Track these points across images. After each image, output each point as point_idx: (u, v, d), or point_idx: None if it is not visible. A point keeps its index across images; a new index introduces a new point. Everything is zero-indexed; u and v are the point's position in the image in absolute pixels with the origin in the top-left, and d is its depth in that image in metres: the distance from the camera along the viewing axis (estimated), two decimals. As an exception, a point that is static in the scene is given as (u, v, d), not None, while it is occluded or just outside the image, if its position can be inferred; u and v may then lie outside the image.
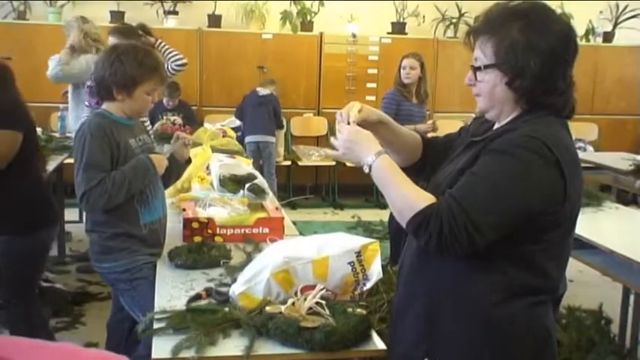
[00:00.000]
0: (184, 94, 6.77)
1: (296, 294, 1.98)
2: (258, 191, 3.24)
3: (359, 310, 1.96)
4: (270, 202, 3.22)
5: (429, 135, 5.31)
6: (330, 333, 1.83)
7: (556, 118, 1.63)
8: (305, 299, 1.95)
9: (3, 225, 2.86)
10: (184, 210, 2.92)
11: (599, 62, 7.83)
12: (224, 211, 2.93)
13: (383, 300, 2.43)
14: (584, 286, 4.34)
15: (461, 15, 7.61)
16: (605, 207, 3.82)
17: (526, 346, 1.62)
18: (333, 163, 6.81)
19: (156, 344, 1.85)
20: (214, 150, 3.75)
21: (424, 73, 5.06)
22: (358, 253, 2.07)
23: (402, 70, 5.00)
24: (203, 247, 2.58)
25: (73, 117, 4.99)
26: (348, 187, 7.02)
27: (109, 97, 2.55)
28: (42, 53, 6.23)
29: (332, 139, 1.80)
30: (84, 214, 3.14)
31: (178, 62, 4.57)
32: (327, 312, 1.92)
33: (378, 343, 1.91)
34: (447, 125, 4.49)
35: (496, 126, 1.70)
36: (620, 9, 7.83)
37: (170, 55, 4.55)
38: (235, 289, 2.05)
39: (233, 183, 3.32)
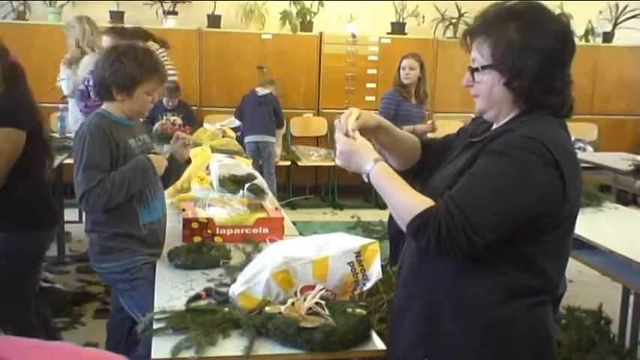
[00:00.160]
0: (184, 95, 6.76)
1: (295, 294, 1.98)
2: (257, 191, 3.25)
3: (358, 310, 1.97)
4: (270, 202, 3.22)
5: (428, 135, 5.33)
6: (330, 333, 1.83)
7: (554, 118, 1.63)
8: (305, 299, 1.95)
9: (1, 223, 2.87)
10: (184, 210, 2.92)
11: (598, 62, 7.83)
12: (224, 211, 2.94)
13: (382, 300, 2.43)
14: (584, 287, 4.34)
15: (460, 15, 7.61)
16: (604, 207, 3.83)
17: (526, 347, 1.62)
18: (333, 163, 6.81)
19: (155, 344, 1.85)
20: (214, 150, 3.75)
21: (423, 74, 5.06)
22: (358, 254, 2.07)
23: (401, 71, 5.01)
24: (203, 248, 2.58)
25: (73, 117, 5.00)
26: (348, 187, 7.02)
27: (109, 97, 2.55)
28: (41, 53, 6.26)
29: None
30: (83, 214, 3.14)
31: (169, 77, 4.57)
32: (327, 312, 1.92)
33: (378, 343, 1.91)
34: (447, 125, 4.49)
35: (494, 126, 1.70)
36: (620, 9, 7.82)
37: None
38: (235, 290, 2.06)
39: (233, 183, 3.32)
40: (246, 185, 3.27)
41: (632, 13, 7.72)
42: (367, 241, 2.11)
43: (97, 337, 3.43)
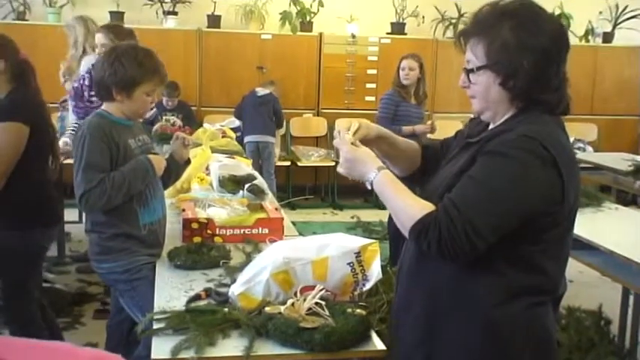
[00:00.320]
0: (184, 95, 6.77)
1: (295, 294, 1.98)
2: (257, 192, 3.25)
3: (358, 310, 1.97)
4: (270, 202, 3.22)
5: (428, 136, 5.34)
6: (330, 333, 1.83)
7: (551, 117, 1.63)
8: (304, 300, 1.95)
9: (2, 221, 2.87)
10: (184, 210, 2.92)
11: (598, 63, 7.83)
12: (223, 211, 2.94)
13: (382, 300, 2.43)
14: (584, 287, 4.34)
15: (460, 15, 7.60)
16: (604, 207, 3.83)
17: (526, 347, 1.62)
18: (333, 163, 6.82)
19: (155, 345, 1.85)
20: (214, 150, 3.75)
21: (423, 74, 5.07)
22: (358, 254, 2.07)
23: (400, 71, 5.01)
24: (202, 248, 2.58)
25: (73, 117, 4.98)
26: (348, 187, 7.00)
27: (109, 97, 2.55)
28: (41, 54, 6.23)
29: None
30: (83, 214, 3.14)
31: None
32: (327, 312, 1.92)
33: (378, 343, 1.91)
34: (446, 126, 4.49)
35: (491, 126, 1.70)
36: (620, 9, 7.82)
37: None
38: (235, 290, 2.06)
39: (232, 183, 3.32)
40: (246, 185, 3.27)
41: (632, 14, 7.72)
42: (367, 241, 2.11)
43: (96, 337, 3.42)
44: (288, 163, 7.11)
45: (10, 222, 2.87)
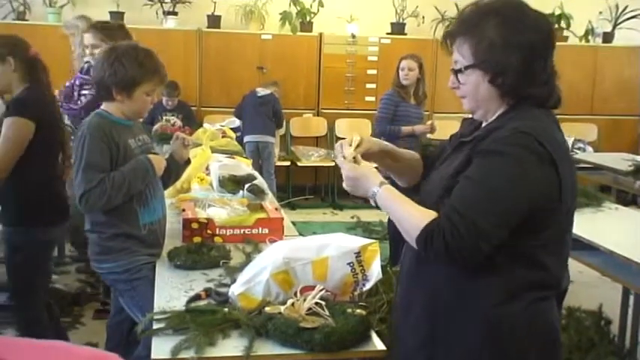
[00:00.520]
0: (184, 95, 6.77)
1: (295, 294, 1.98)
2: (257, 192, 3.25)
3: (358, 310, 1.97)
4: (270, 202, 3.22)
5: (427, 136, 5.34)
6: (330, 333, 1.83)
7: (544, 111, 1.63)
8: (304, 300, 1.95)
9: (8, 217, 2.88)
10: (184, 210, 2.92)
11: (598, 63, 7.83)
12: (223, 211, 2.93)
13: (382, 300, 2.43)
14: (584, 287, 4.33)
15: (460, 15, 7.60)
16: (604, 207, 3.83)
17: (531, 347, 1.62)
18: (332, 163, 6.82)
19: (155, 345, 1.85)
20: (214, 150, 3.75)
21: (422, 75, 5.07)
22: (358, 254, 2.07)
23: (400, 72, 5.01)
24: (202, 248, 2.58)
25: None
26: (348, 187, 7.01)
27: (109, 97, 2.55)
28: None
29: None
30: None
31: None
32: (327, 312, 1.92)
33: (378, 343, 1.91)
34: (446, 126, 4.48)
35: (484, 124, 1.71)
36: (620, 9, 7.82)
37: None
38: (235, 290, 2.06)
39: (232, 183, 3.32)
40: (246, 185, 3.27)
41: (632, 14, 7.72)
42: (367, 241, 2.11)
43: (97, 337, 3.43)
44: (288, 163, 7.11)
45: (15, 218, 2.87)
